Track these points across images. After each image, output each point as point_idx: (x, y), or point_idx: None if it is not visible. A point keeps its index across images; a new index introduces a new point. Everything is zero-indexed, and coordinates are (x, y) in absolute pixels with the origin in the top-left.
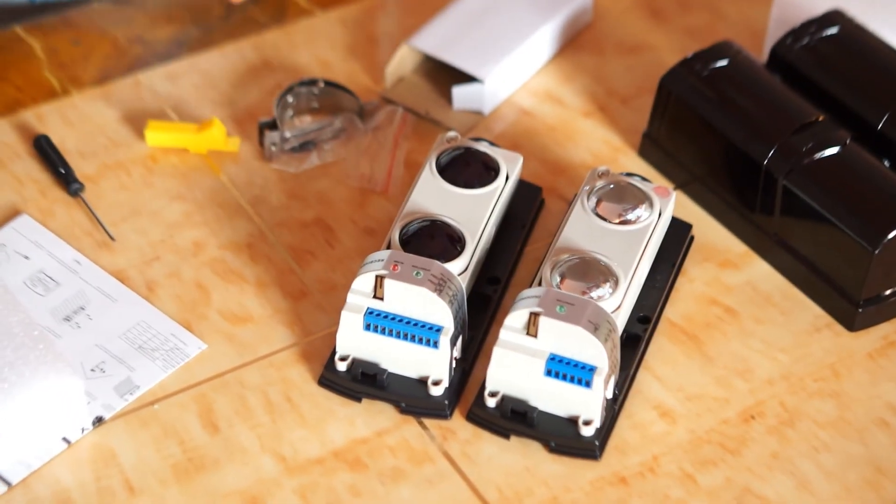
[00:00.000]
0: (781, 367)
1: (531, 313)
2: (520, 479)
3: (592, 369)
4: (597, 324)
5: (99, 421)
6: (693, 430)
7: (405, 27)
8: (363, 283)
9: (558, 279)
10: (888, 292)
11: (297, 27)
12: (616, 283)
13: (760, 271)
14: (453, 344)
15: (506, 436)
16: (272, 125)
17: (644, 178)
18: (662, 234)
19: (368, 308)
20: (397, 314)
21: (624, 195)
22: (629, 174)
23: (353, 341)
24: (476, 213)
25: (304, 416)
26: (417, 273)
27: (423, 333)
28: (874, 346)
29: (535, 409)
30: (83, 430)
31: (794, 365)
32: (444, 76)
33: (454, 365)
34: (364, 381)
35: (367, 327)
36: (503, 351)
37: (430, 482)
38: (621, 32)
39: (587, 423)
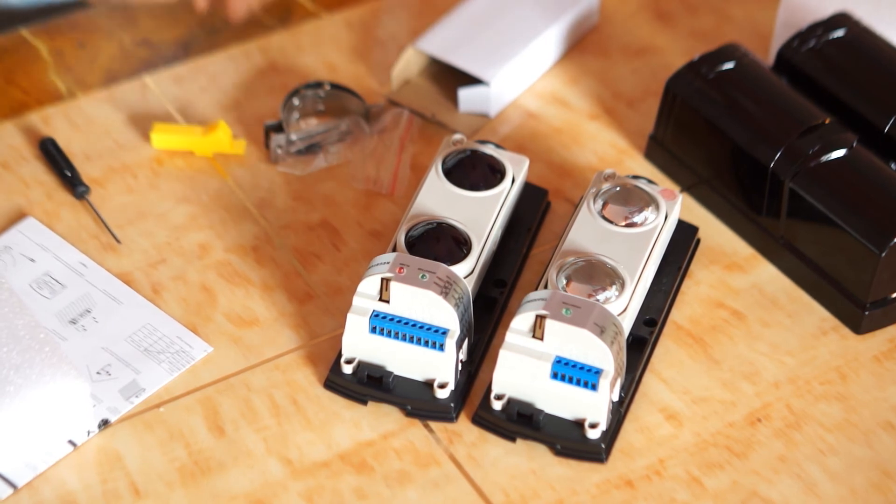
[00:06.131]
0: (788, 370)
1: (537, 316)
2: (525, 481)
3: (598, 372)
4: (603, 326)
5: (105, 424)
6: (699, 433)
7: (411, 30)
8: (369, 285)
9: (564, 282)
10: (895, 295)
11: (303, 30)
12: (622, 285)
13: (767, 274)
14: (459, 347)
15: (511, 438)
16: (278, 128)
17: (650, 181)
18: (668, 237)
19: (374, 311)
20: (403, 317)
21: (630, 198)
22: (635, 177)
23: (359, 344)
24: (482, 215)
25: (309, 419)
26: (423, 276)
27: (428, 336)
28: (880, 348)
29: (540, 411)
30: (89, 433)
31: (800, 368)
32: (449, 79)
33: (460, 368)
34: (370, 384)
35: (373, 330)
36: (509, 353)
37: (435, 485)
38: (627, 35)
39: (593, 425)
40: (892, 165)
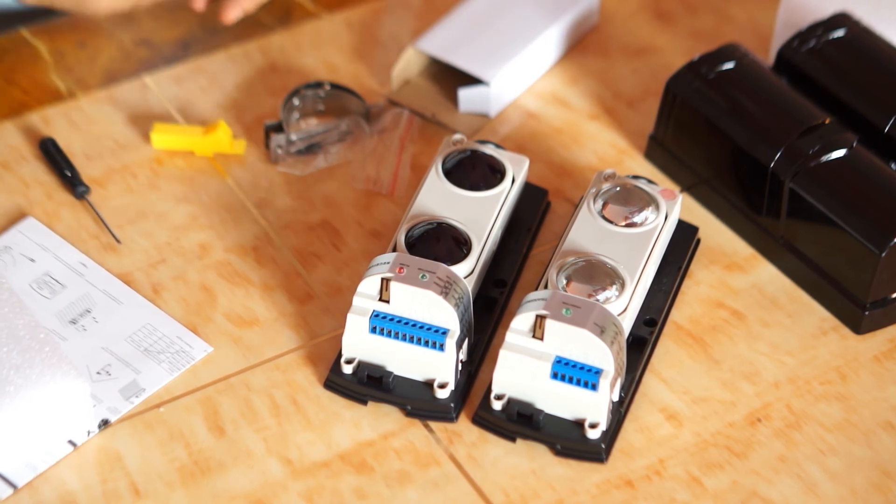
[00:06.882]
0: (788, 370)
1: (537, 316)
2: (525, 481)
3: (598, 372)
4: (603, 326)
5: (105, 424)
6: (699, 433)
7: (411, 30)
8: (369, 285)
9: (564, 282)
10: (895, 295)
11: (303, 30)
12: (622, 285)
13: (767, 274)
14: (459, 347)
15: (512, 438)
16: (278, 128)
17: (650, 181)
18: (669, 237)
19: (374, 311)
20: (403, 317)
21: (630, 198)
22: (635, 177)
23: (359, 344)
24: (482, 215)
25: (309, 419)
26: (423, 276)
27: (428, 336)
28: (880, 348)
29: (540, 411)
30: (89, 433)
31: (800, 368)
32: (449, 79)
33: (460, 368)
34: (370, 384)
35: (373, 330)
36: (509, 353)
37: (435, 485)
38: (627, 35)
39: (593, 425)
40: (892, 165)
